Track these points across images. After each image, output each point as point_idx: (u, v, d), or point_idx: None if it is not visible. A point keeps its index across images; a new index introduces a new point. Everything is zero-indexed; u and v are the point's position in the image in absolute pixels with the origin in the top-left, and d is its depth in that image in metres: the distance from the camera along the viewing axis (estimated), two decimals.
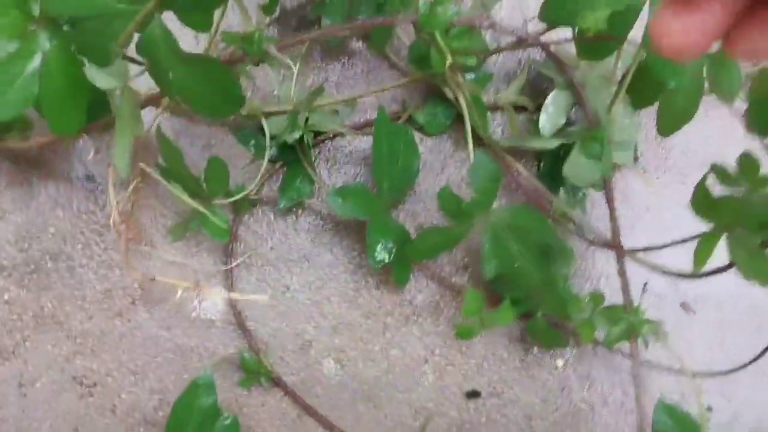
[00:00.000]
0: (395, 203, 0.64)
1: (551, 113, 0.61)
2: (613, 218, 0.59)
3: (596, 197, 0.65)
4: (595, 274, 0.66)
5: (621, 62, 0.58)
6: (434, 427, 0.63)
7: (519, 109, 0.66)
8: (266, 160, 0.62)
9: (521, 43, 0.57)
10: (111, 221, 0.59)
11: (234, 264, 0.63)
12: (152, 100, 0.55)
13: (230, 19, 0.63)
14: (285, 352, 0.63)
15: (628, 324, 0.56)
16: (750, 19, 0.21)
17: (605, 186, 0.60)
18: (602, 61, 0.58)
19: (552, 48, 0.59)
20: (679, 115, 0.54)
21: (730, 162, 0.48)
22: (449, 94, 0.63)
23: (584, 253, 0.66)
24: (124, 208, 0.60)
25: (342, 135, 0.66)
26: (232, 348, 0.63)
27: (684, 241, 0.62)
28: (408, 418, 0.63)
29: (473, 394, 0.63)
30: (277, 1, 0.59)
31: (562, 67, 0.60)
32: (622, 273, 0.59)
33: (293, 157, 0.64)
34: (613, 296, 0.59)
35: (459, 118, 0.64)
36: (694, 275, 0.57)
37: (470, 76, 0.64)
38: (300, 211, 0.65)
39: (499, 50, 0.61)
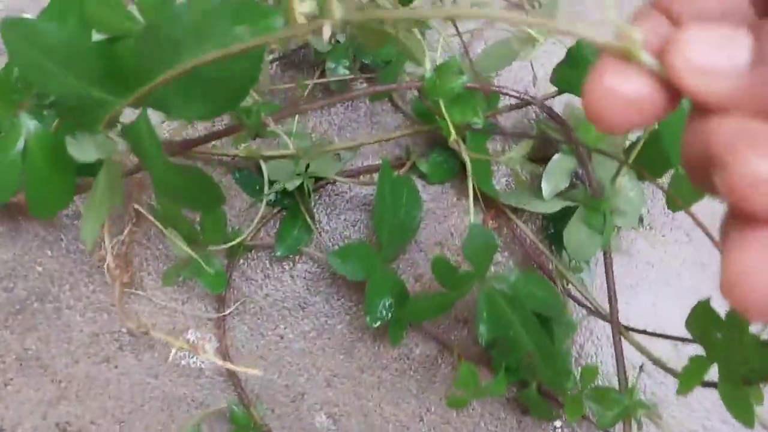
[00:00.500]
0: (395, 256, 0.62)
1: (554, 177, 0.59)
2: (610, 291, 0.57)
3: (599, 255, 0.64)
4: (595, 336, 0.65)
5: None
6: None
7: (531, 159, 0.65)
8: (264, 204, 0.61)
9: (527, 104, 0.55)
10: (105, 266, 0.57)
11: (227, 312, 0.61)
12: None
13: None
14: (276, 404, 0.61)
15: (621, 408, 0.54)
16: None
17: (605, 259, 0.58)
18: None
19: (560, 109, 0.57)
20: (690, 195, 0.53)
21: None
22: (454, 145, 0.61)
23: (583, 318, 0.65)
24: (117, 251, 0.58)
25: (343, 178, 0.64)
26: (221, 398, 0.61)
27: (680, 339, 0.61)
28: None
29: None
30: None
31: (568, 132, 0.58)
32: (617, 351, 0.57)
33: (292, 202, 0.62)
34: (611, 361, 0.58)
35: (463, 167, 0.63)
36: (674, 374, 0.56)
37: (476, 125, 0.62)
38: (297, 258, 0.63)
39: (503, 111, 0.59)
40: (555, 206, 0.60)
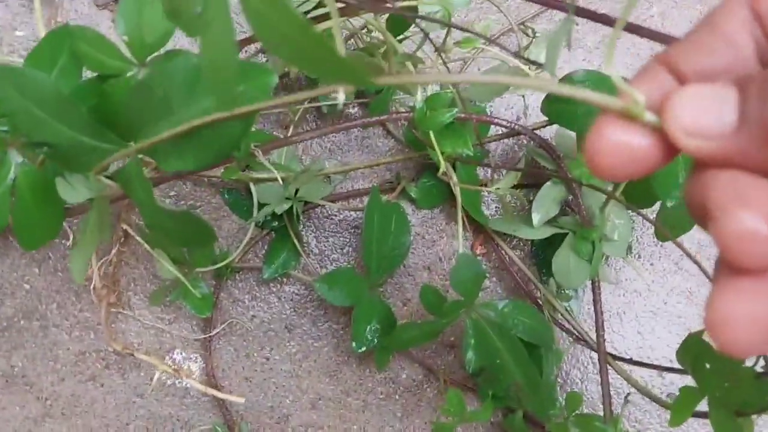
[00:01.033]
0: (383, 281, 0.63)
1: (544, 205, 0.59)
2: (597, 321, 0.57)
3: (587, 283, 0.64)
4: (581, 364, 0.65)
5: None
6: None
7: (517, 186, 0.65)
8: (252, 226, 0.61)
9: (517, 133, 0.55)
10: (92, 287, 0.57)
11: (213, 333, 0.62)
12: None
13: None
14: (261, 425, 0.61)
15: None
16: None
17: (593, 288, 0.58)
18: None
19: (549, 137, 0.57)
20: (677, 227, 0.53)
21: None
22: (443, 167, 0.61)
23: (569, 346, 0.65)
24: (105, 271, 0.58)
25: (332, 202, 0.64)
26: (206, 418, 0.61)
27: (666, 369, 0.61)
28: None
29: None
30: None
31: (558, 160, 0.58)
32: (603, 379, 0.58)
33: (281, 225, 0.62)
34: (596, 389, 0.58)
35: (453, 192, 0.63)
36: (660, 403, 0.56)
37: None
38: (284, 280, 0.63)
39: (493, 140, 0.59)
40: (544, 233, 0.60)
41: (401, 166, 0.65)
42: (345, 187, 0.65)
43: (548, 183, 0.59)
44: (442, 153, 0.53)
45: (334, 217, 0.65)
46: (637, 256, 0.67)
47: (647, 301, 0.66)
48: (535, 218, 0.59)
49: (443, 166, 0.52)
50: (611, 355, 0.60)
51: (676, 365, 0.65)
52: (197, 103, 0.29)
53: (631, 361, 0.62)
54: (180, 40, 0.63)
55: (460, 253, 0.54)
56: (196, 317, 0.62)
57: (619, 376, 0.64)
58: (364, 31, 0.57)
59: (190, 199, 0.63)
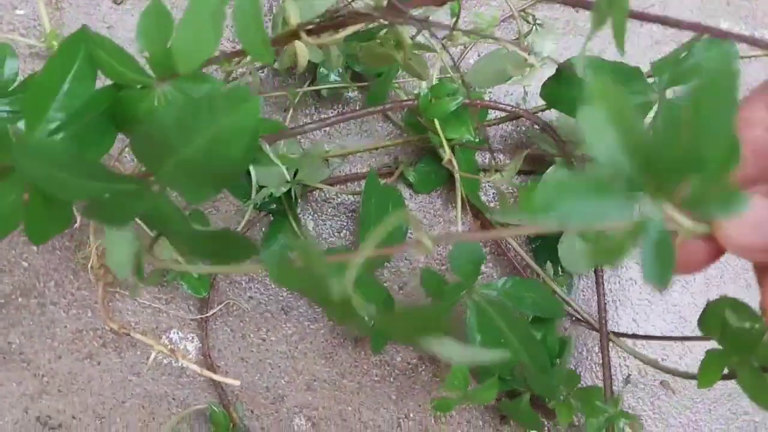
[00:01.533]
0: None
1: None
2: (599, 302, 0.58)
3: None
4: (576, 351, 0.66)
5: None
6: None
7: (519, 172, 0.65)
8: (251, 208, 0.61)
9: (515, 117, 0.55)
10: (89, 266, 0.57)
11: (210, 313, 0.62)
12: None
13: None
14: (256, 405, 0.62)
15: (606, 417, 0.55)
16: None
17: (595, 268, 0.59)
18: None
19: (552, 121, 0.57)
20: None
21: None
22: (447, 155, 0.61)
23: (568, 327, 0.65)
24: (103, 251, 0.59)
25: (331, 185, 0.64)
26: (202, 397, 0.62)
27: (668, 338, 0.62)
28: None
29: None
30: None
31: (561, 144, 0.58)
32: (604, 359, 0.59)
33: (279, 207, 0.62)
34: (596, 371, 0.59)
35: (451, 177, 0.63)
36: (676, 373, 0.57)
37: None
38: None
39: (491, 123, 0.60)
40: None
41: (400, 151, 0.65)
42: (343, 171, 0.65)
43: (552, 167, 0.59)
44: (447, 140, 0.54)
45: (332, 201, 0.65)
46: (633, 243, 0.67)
47: (642, 290, 0.66)
48: None
49: (448, 153, 0.52)
50: (614, 332, 0.61)
51: (671, 353, 0.66)
52: (196, 139, 0.30)
53: (635, 336, 0.63)
54: None
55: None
56: (193, 298, 0.62)
57: (616, 362, 0.64)
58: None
59: None
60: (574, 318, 0.63)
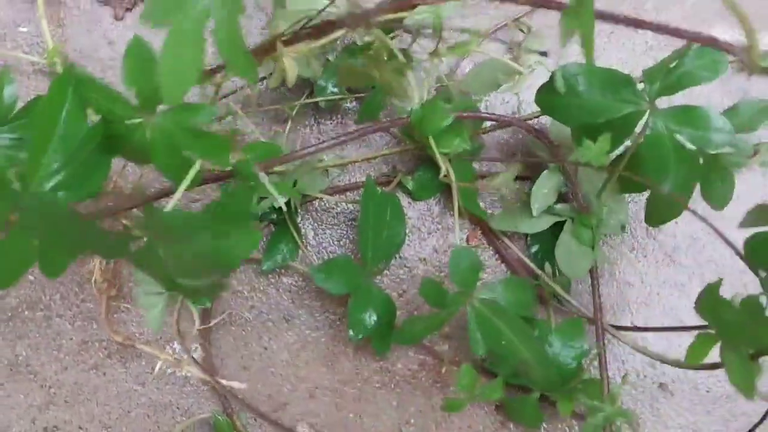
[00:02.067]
0: (379, 271, 0.64)
1: (542, 194, 0.60)
2: (595, 299, 0.59)
3: None
4: None
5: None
6: None
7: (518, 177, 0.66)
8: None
9: (509, 124, 0.56)
10: (93, 281, 0.58)
11: (213, 323, 0.63)
12: None
13: None
14: (259, 413, 0.63)
15: (603, 416, 0.56)
16: None
17: (591, 270, 0.60)
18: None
19: (543, 128, 0.58)
20: (667, 212, 0.54)
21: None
22: (444, 169, 0.62)
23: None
24: (106, 266, 0.60)
25: (330, 195, 0.65)
26: (206, 406, 0.62)
27: (664, 329, 0.63)
28: None
29: None
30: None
31: (554, 149, 0.59)
32: (600, 354, 0.59)
33: (280, 217, 0.63)
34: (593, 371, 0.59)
35: (449, 185, 0.64)
36: (675, 364, 0.58)
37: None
38: (283, 271, 0.65)
39: (486, 131, 0.60)
40: (545, 224, 0.61)
41: (398, 159, 0.66)
42: (343, 181, 0.66)
43: (545, 172, 0.60)
44: (442, 154, 0.54)
45: (332, 210, 0.66)
46: (630, 248, 0.68)
47: (640, 293, 0.67)
48: (535, 207, 0.60)
49: (443, 168, 0.53)
50: (613, 325, 0.62)
51: (669, 357, 0.66)
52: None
53: (634, 329, 0.64)
54: None
55: (454, 247, 0.55)
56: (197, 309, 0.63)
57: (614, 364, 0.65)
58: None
59: (191, 192, 0.64)
60: (575, 317, 0.63)
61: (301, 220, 0.65)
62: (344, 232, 0.66)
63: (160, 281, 0.41)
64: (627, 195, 0.64)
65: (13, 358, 0.62)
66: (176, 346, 0.63)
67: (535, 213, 0.60)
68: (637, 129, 0.50)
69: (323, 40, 0.46)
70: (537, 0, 0.43)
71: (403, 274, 0.66)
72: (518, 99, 0.64)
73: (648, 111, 0.49)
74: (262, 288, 0.64)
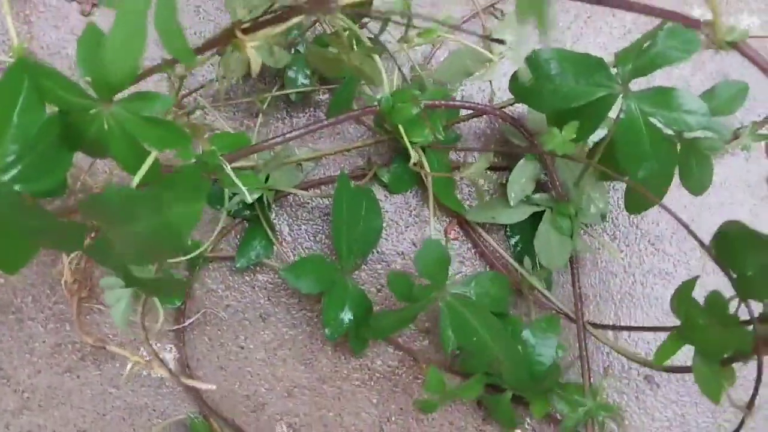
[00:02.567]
0: (356, 267, 0.62)
1: (519, 183, 0.59)
2: (575, 290, 0.58)
3: None
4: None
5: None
6: None
7: (490, 168, 0.64)
8: (224, 215, 0.60)
9: (485, 112, 0.55)
10: (63, 282, 0.57)
11: (187, 323, 0.62)
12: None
13: None
14: (236, 414, 0.62)
15: (585, 410, 0.54)
16: None
17: (571, 262, 0.58)
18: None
19: (520, 116, 0.57)
20: (646, 199, 0.53)
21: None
22: (414, 157, 0.61)
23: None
24: (77, 267, 0.59)
25: (305, 190, 0.64)
26: (182, 407, 0.61)
27: (643, 329, 0.61)
28: None
29: None
30: None
31: (531, 137, 0.58)
32: (582, 351, 0.58)
33: (253, 214, 0.62)
34: (576, 367, 0.58)
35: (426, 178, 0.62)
36: (645, 363, 0.56)
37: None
38: (258, 269, 0.63)
39: (462, 120, 0.59)
40: (522, 214, 0.60)
41: (373, 152, 0.65)
42: (317, 175, 0.65)
43: (522, 161, 0.59)
44: (412, 143, 0.53)
45: (306, 205, 0.64)
46: (612, 237, 0.66)
47: (624, 283, 0.66)
48: (511, 196, 0.58)
49: (414, 156, 0.52)
50: (591, 323, 0.60)
51: (655, 347, 0.65)
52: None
53: (612, 327, 0.62)
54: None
55: (426, 238, 0.54)
56: (169, 308, 0.62)
57: (596, 356, 0.64)
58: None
59: None
60: (553, 312, 0.62)
61: (276, 215, 0.64)
62: (320, 228, 0.64)
63: (117, 273, 0.40)
64: (608, 183, 0.63)
65: None
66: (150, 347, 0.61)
67: (512, 203, 0.59)
68: (614, 114, 0.48)
69: (284, 26, 0.44)
70: None
71: (380, 269, 0.65)
72: (491, 87, 0.63)
73: (621, 94, 0.47)
74: (237, 286, 0.63)
